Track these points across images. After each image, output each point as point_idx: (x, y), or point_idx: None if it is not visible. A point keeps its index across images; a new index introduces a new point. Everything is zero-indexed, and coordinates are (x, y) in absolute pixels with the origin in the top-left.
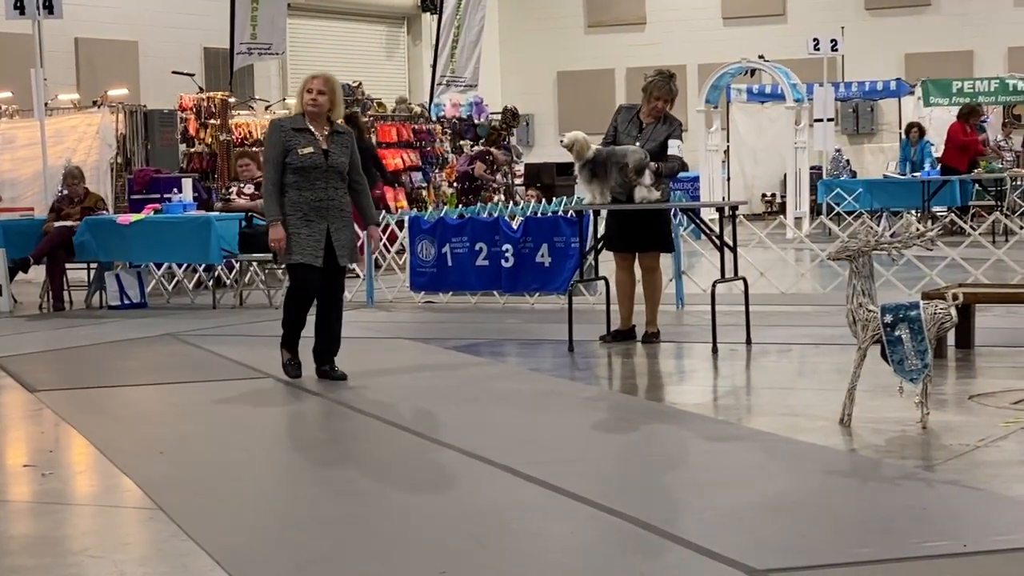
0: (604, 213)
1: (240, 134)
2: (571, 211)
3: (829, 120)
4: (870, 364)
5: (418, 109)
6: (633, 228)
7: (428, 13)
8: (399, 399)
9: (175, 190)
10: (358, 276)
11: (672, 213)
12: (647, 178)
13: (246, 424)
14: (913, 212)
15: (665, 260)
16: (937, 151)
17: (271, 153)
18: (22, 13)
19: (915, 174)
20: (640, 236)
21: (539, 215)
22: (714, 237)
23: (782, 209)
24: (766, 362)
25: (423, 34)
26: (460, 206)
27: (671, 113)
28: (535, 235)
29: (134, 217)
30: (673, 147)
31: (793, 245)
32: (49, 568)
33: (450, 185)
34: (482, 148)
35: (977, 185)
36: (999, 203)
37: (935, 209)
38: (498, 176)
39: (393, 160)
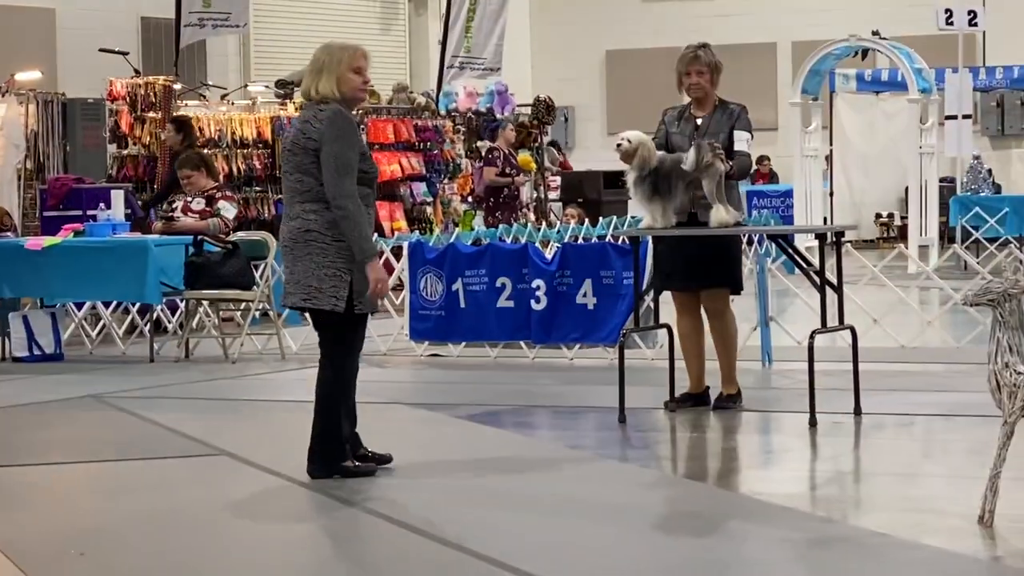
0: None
1: None
2: (623, 236)
3: (966, 117)
4: (1019, 444)
5: (422, 100)
6: (696, 259)
7: None
8: (396, 485)
9: (102, 205)
10: None
11: (748, 240)
12: (718, 165)
13: (193, 516)
14: None
15: (747, 304)
16: None
17: (352, 158)
18: None
19: None
20: (703, 269)
21: (581, 241)
22: (813, 272)
23: (902, 235)
24: (880, 439)
25: (429, 1)
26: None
27: (727, 100)
28: (575, 268)
29: (47, 241)
30: (740, 140)
31: (917, 283)
32: None
33: (463, 200)
34: (486, 145)
35: None
36: None
37: None
38: (520, 176)
39: (388, 167)
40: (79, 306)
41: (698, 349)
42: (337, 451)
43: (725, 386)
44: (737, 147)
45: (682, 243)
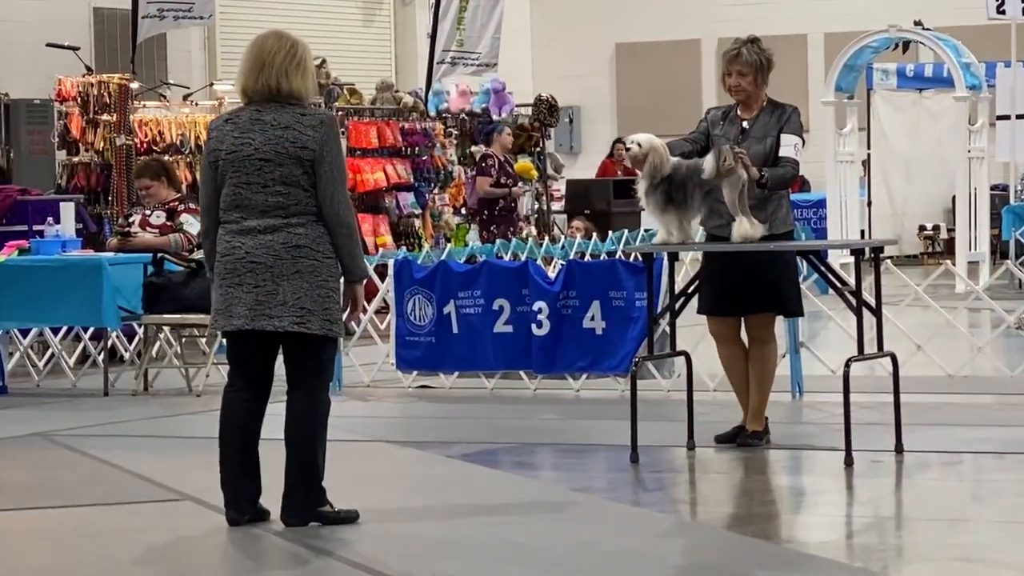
0: (692, 257)
1: (147, 135)
2: (636, 253)
3: (1020, 117)
4: None
5: (409, 100)
6: (730, 281)
7: None
8: (380, 533)
9: (49, 219)
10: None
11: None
12: (740, 171)
13: (153, 568)
14: None
15: (775, 328)
16: None
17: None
18: None
19: None
20: (747, 290)
21: (588, 258)
22: (848, 292)
23: (949, 249)
24: (924, 480)
25: None
26: (485, 242)
27: (777, 100)
28: (582, 288)
29: None
30: (787, 146)
31: (966, 304)
32: None
33: (456, 212)
34: (480, 152)
35: None
36: None
37: None
38: (520, 184)
39: (372, 175)
40: (24, 333)
41: (745, 377)
42: (315, 495)
43: (751, 422)
44: (783, 153)
45: (724, 260)
